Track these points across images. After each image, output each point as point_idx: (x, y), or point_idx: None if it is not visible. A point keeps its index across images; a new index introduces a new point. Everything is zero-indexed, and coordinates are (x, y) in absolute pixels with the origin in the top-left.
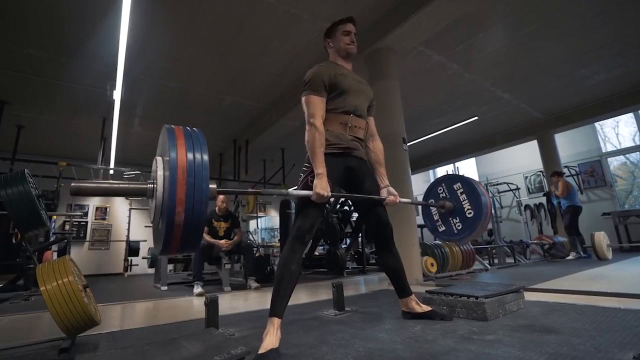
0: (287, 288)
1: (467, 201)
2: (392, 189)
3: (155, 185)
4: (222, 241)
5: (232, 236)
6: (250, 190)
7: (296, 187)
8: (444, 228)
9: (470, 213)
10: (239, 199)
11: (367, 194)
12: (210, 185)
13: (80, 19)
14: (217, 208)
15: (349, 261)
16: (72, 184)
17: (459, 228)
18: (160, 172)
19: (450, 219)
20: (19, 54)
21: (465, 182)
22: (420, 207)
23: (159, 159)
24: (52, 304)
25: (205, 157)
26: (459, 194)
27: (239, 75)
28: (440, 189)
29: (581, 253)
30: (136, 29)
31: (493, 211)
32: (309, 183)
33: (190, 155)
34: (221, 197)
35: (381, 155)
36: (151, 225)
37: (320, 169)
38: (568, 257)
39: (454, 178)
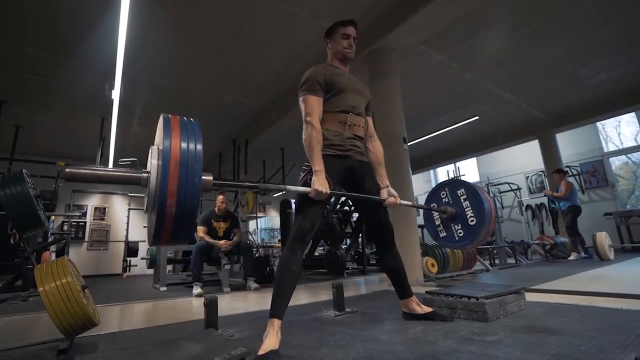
0: (287, 289)
1: (470, 208)
2: (392, 190)
3: (149, 175)
4: (222, 242)
5: (231, 237)
6: (247, 183)
7: None
8: (445, 234)
9: (472, 221)
10: (238, 199)
11: (367, 194)
12: (206, 177)
13: (78, 18)
14: (216, 208)
15: (349, 262)
16: (66, 169)
17: (461, 235)
18: (154, 162)
19: (452, 225)
20: (17, 53)
21: (469, 188)
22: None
23: (154, 147)
24: (50, 304)
25: (199, 148)
26: (462, 200)
27: (239, 74)
28: (444, 194)
29: (582, 253)
30: (135, 28)
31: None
32: (308, 181)
33: (184, 145)
34: (220, 197)
35: (381, 156)
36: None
37: (318, 165)
38: (569, 258)
39: (458, 183)
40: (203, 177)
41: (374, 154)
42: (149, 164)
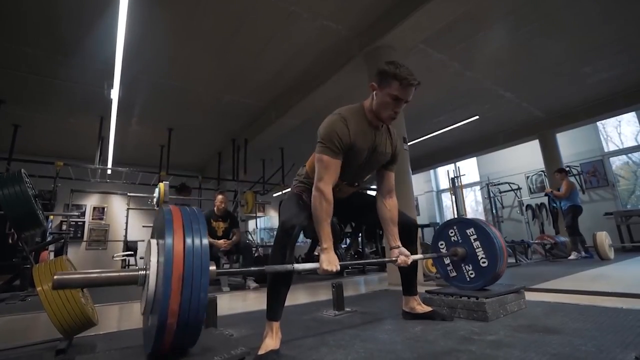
0: (281, 290)
1: (480, 249)
2: (403, 249)
3: (147, 273)
4: (221, 241)
5: (230, 236)
6: (251, 269)
7: (288, 194)
8: (455, 274)
9: (484, 262)
10: (237, 198)
11: (358, 206)
12: (210, 268)
13: (77, 17)
14: (215, 208)
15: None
16: (55, 277)
17: (472, 276)
18: (153, 259)
19: (463, 265)
20: (16, 52)
21: (479, 227)
22: (419, 206)
23: (153, 241)
24: (48, 304)
25: (205, 242)
26: (472, 240)
27: (238, 73)
28: (452, 232)
29: (582, 253)
30: (134, 27)
31: (494, 211)
32: (301, 194)
33: (189, 241)
34: (220, 197)
35: (395, 214)
36: (149, 225)
37: (326, 243)
38: (569, 257)
39: (467, 222)
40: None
41: (390, 211)
42: (145, 260)
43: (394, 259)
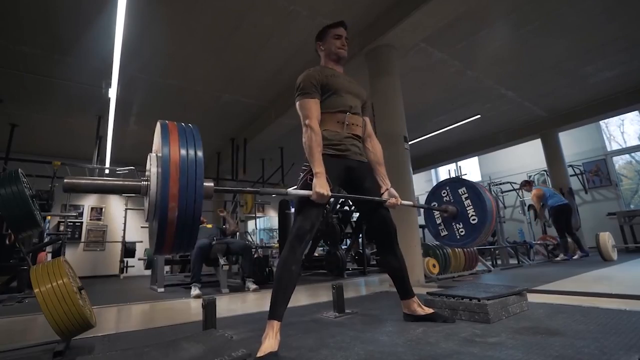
0: (287, 290)
1: (471, 207)
2: (393, 191)
3: (148, 183)
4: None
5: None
6: (248, 189)
7: (295, 187)
8: (446, 233)
9: (474, 220)
10: (237, 199)
11: (367, 194)
12: (207, 184)
13: (75, 15)
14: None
15: (350, 262)
16: (66, 180)
17: (462, 234)
18: (153, 169)
19: (454, 223)
20: (13, 51)
21: (470, 187)
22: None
23: (152, 155)
24: (46, 306)
25: (200, 154)
26: (464, 199)
27: (237, 72)
28: (444, 192)
29: (574, 255)
30: (132, 25)
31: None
32: (308, 182)
33: (183, 152)
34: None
35: (380, 155)
36: (147, 226)
37: (319, 168)
38: (557, 259)
39: (459, 182)
40: (205, 184)
41: (374, 153)
42: (147, 172)
43: (384, 199)
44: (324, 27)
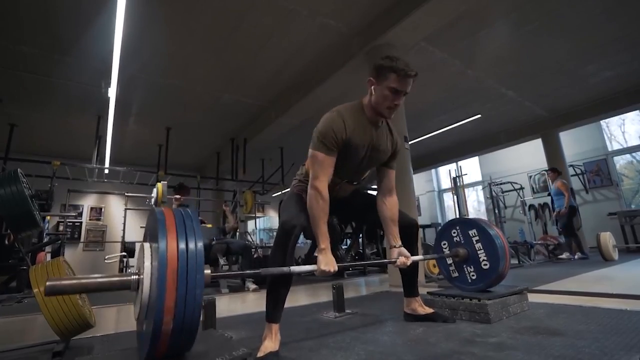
0: (281, 291)
1: (482, 251)
2: (403, 250)
3: (141, 277)
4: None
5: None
6: (247, 272)
7: (288, 193)
8: (457, 275)
9: (486, 265)
10: (237, 198)
11: (359, 207)
12: (205, 271)
13: (74, 15)
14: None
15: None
16: (48, 283)
17: (474, 278)
18: (147, 263)
19: (465, 266)
20: (12, 51)
21: (482, 230)
22: (420, 206)
23: (146, 245)
24: (45, 306)
25: (200, 245)
26: (474, 242)
27: (237, 72)
28: (455, 232)
29: (575, 256)
30: (132, 25)
31: (496, 211)
32: (303, 198)
33: (182, 246)
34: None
35: (395, 213)
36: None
37: (324, 243)
38: (561, 256)
39: (469, 223)
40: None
41: (389, 210)
42: (139, 264)
43: (393, 260)
44: (391, 62)
